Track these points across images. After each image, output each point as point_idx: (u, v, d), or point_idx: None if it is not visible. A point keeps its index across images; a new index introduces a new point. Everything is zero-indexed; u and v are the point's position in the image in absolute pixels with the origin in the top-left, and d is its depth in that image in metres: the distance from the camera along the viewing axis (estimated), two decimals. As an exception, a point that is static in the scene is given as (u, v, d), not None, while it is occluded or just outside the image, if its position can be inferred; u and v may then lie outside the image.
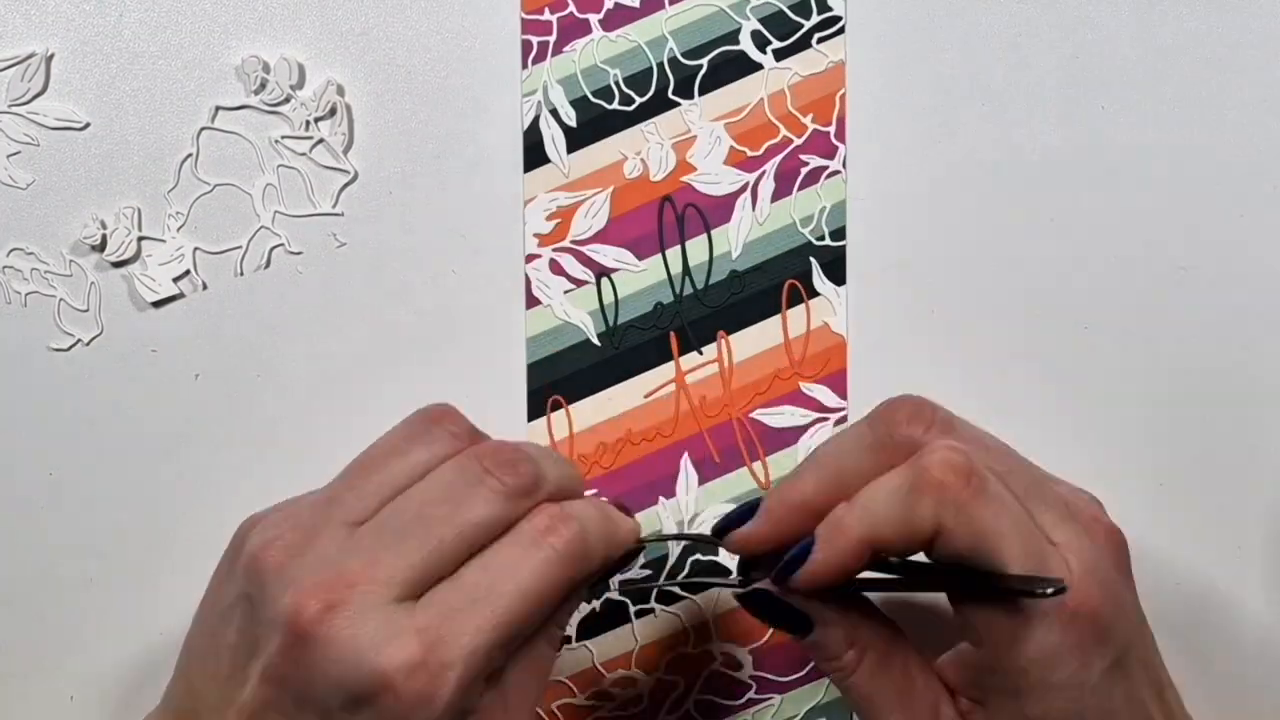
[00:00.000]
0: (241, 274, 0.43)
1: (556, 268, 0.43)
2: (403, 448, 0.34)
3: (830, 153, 0.43)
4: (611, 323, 0.43)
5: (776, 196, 0.43)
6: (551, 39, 0.43)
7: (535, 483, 0.33)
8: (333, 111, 0.42)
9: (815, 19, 0.43)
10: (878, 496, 0.32)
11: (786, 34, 0.43)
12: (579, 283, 0.43)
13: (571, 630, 0.43)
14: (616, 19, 0.43)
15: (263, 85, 0.42)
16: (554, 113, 0.43)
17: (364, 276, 0.43)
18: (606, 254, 0.43)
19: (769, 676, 0.43)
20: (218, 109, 0.43)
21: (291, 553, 0.32)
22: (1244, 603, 0.43)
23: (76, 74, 0.43)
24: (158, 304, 0.43)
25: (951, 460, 0.31)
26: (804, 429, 0.43)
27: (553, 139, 0.43)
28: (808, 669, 0.43)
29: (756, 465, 0.43)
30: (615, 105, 0.43)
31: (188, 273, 0.43)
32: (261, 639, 0.31)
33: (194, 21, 0.43)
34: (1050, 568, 0.31)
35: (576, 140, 0.43)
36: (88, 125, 0.43)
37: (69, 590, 0.43)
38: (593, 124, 0.43)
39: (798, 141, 0.43)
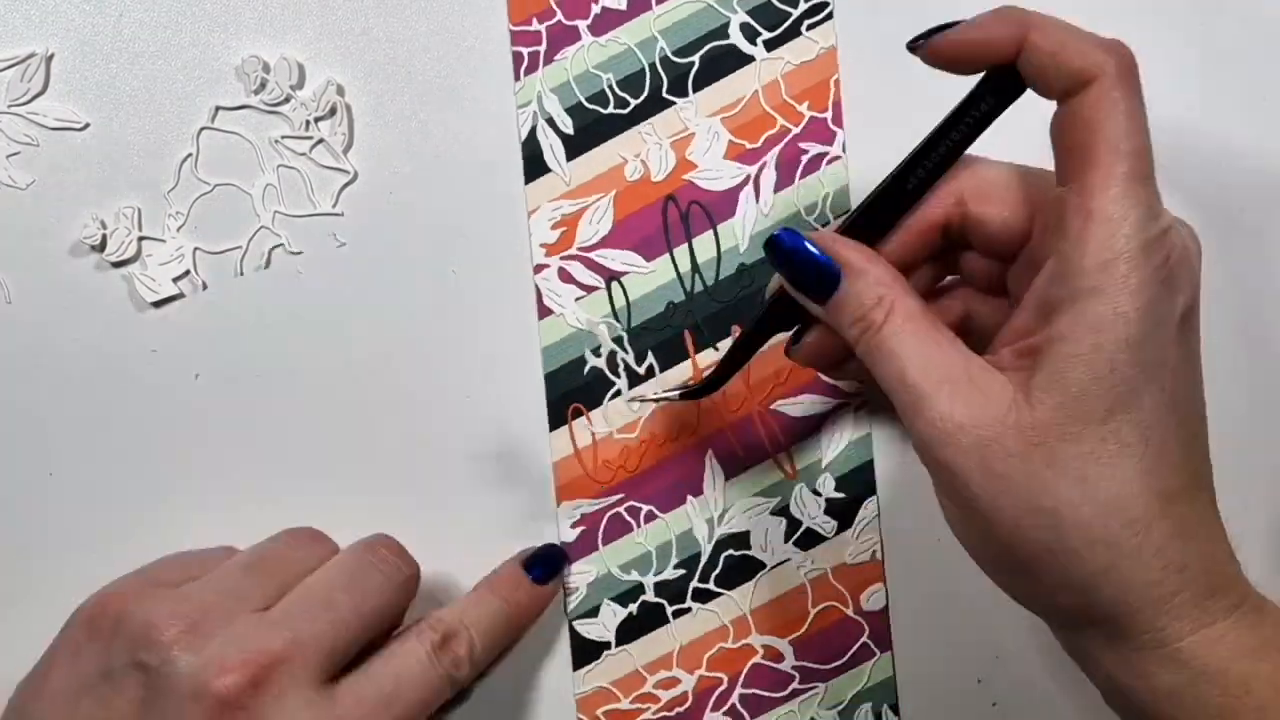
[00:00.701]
0: (241, 274, 0.43)
1: (566, 276, 0.43)
2: (291, 544, 0.39)
3: (829, 138, 0.43)
4: (625, 326, 0.43)
5: (779, 186, 0.43)
6: (542, 48, 0.43)
7: (416, 571, 0.39)
8: (333, 111, 0.42)
9: (803, 6, 0.43)
10: (1061, 23, 0.32)
11: (775, 24, 0.43)
12: (589, 289, 0.43)
13: (611, 635, 0.43)
14: (604, 23, 0.43)
15: (263, 85, 0.42)
16: (550, 122, 0.43)
17: (364, 276, 0.43)
18: (614, 258, 0.43)
19: (812, 665, 0.43)
20: (218, 109, 0.43)
21: (198, 629, 0.34)
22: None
23: (76, 74, 0.42)
24: (158, 304, 0.43)
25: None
26: (826, 415, 0.43)
27: (551, 148, 0.43)
28: (850, 654, 0.43)
29: (781, 456, 0.43)
30: (611, 109, 0.43)
31: (188, 273, 0.43)
32: (173, 710, 0.33)
33: (194, 21, 0.43)
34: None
35: (575, 147, 0.43)
36: (88, 125, 0.42)
37: (69, 590, 0.42)
38: (590, 130, 0.43)
39: (795, 130, 0.43)
